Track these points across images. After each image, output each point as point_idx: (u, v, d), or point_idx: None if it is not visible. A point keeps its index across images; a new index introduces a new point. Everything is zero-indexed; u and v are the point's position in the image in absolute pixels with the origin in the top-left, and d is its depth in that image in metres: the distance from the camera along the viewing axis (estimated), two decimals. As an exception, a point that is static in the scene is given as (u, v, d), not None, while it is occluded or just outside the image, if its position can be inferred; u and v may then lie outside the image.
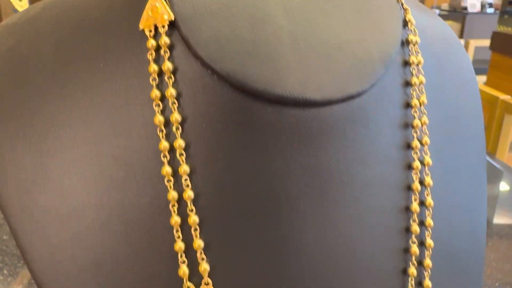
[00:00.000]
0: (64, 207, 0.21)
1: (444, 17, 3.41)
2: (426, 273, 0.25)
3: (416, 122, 0.24)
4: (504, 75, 2.24)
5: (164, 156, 0.20)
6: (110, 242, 0.21)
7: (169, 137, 0.20)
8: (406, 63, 0.24)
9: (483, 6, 3.29)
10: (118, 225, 0.21)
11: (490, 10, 3.30)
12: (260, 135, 0.21)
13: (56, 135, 0.21)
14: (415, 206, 0.24)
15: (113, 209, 0.21)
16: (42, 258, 0.21)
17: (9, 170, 0.21)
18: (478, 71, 2.71)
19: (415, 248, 0.24)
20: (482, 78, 2.42)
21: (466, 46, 2.73)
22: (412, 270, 0.24)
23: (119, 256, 0.21)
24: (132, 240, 0.21)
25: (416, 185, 0.24)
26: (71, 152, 0.21)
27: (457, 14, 3.40)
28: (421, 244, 0.25)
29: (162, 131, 0.20)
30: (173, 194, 0.20)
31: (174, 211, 0.20)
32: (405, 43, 0.24)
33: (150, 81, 0.20)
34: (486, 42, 2.45)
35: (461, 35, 3.24)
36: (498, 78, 2.27)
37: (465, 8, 3.35)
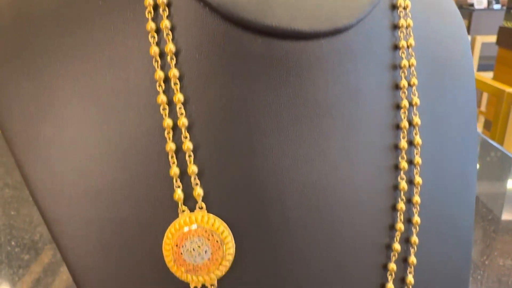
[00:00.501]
0: (65, 137, 0.22)
1: (450, 14, 3.40)
2: (415, 210, 0.26)
3: (404, 62, 0.25)
4: (510, 69, 2.23)
5: (159, 85, 0.21)
6: (109, 170, 0.22)
7: (164, 67, 0.21)
8: (394, 7, 0.25)
9: (489, 2, 3.28)
10: (116, 154, 0.22)
11: (497, 6, 3.29)
12: (250, 66, 0.22)
13: (57, 70, 0.22)
14: (403, 143, 0.25)
15: (111, 138, 0.22)
16: (45, 186, 0.22)
17: (14, 105, 0.22)
18: (485, 67, 2.70)
19: (403, 184, 0.25)
20: (489, 75, 2.41)
21: (473, 42, 2.72)
22: (401, 206, 0.25)
23: (117, 183, 0.22)
24: (129, 168, 0.22)
25: (404, 124, 0.25)
26: (72, 85, 0.22)
27: (463, 10, 3.39)
28: (410, 182, 0.26)
29: (157, 61, 0.21)
30: (168, 122, 0.21)
31: (169, 138, 0.21)
32: None
33: (146, 14, 0.21)
34: (493, 38, 2.44)
35: (467, 32, 3.23)
36: (504, 73, 2.27)
37: (472, 5, 3.34)
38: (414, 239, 0.26)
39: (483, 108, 2.53)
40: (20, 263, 0.50)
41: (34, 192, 0.22)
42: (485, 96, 2.51)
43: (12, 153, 0.23)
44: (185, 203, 0.22)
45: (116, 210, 0.22)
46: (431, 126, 0.26)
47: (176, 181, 0.21)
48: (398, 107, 0.25)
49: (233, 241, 0.22)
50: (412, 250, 0.26)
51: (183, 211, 0.22)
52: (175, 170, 0.21)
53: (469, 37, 2.85)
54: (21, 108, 0.22)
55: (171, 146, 0.21)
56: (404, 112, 0.25)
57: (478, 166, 0.84)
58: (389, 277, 0.25)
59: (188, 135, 0.21)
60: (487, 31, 3.08)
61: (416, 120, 0.25)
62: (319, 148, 0.23)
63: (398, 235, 0.25)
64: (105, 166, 0.22)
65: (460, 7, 3.43)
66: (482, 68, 2.66)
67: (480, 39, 2.75)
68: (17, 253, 0.52)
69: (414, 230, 0.26)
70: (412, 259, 0.26)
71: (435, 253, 0.27)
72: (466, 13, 3.32)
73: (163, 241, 0.21)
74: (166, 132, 0.21)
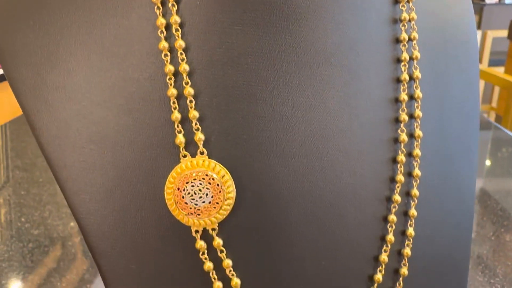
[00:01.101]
0: (70, 84, 0.22)
1: (461, 9, 3.37)
2: (415, 163, 0.26)
3: (404, 16, 0.25)
4: (522, 63, 2.21)
5: (161, 32, 0.22)
6: (112, 116, 0.22)
7: (166, 14, 0.22)
8: (394, -38, 0.25)
9: (501, -3, 3.24)
10: (120, 100, 0.22)
11: (508, 1, 3.25)
12: (250, 13, 0.22)
13: (62, 20, 0.23)
14: (403, 96, 0.25)
15: (115, 84, 0.22)
16: (50, 132, 0.23)
17: (20, 54, 0.23)
18: (496, 62, 2.67)
19: (404, 137, 0.25)
20: (501, 69, 2.39)
21: (484, 37, 2.69)
22: (401, 158, 0.25)
23: (120, 128, 0.22)
24: (132, 113, 0.22)
25: (405, 77, 0.25)
26: (76, 35, 0.23)
27: (474, 5, 3.36)
28: (411, 136, 0.26)
29: (159, 8, 0.22)
30: (169, 68, 0.22)
31: (171, 84, 0.22)
32: None
33: (147, -38, 0.22)
34: (504, 33, 2.41)
35: (478, 26, 3.20)
36: (516, 67, 2.24)
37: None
38: (415, 192, 0.26)
39: (494, 104, 2.50)
40: (30, 238, 0.51)
41: (39, 138, 0.23)
42: (496, 92, 2.48)
43: (18, 101, 0.23)
44: (186, 148, 0.22)
45: (119, 155, 0.22)
46: (432, 80, 0.26)
47: (178, 126, 0.22)
48: (398, 60, 0.25)
49: (234, 186, 0.22)
50: (412, 203, 0.26)
51: (185, 156, 0.22)
52: (176, 115, 0.22)
53: (480, 32, 2.82)
54: (27, 57, 0.23)
55: (172, 91, 0.22)
56: (405, 65, 0.25)
57: (489, 162, 0.84)
58: (390, 229, 0.25)
59: (189, 81, 0.22)
60: (498, 25, 3.04)
61: (417, 73, 0.26)
62: (319, 96, 0.23)
63: (398, 187, 0.25)
64: (108, 112, 0.22)
65: (471, 2, 3.38)
66: (493, 63, 2.63)
67: (491, 34, 2.72)
68: (27, 228, 0.53)
69: (414, 183, 0.26)
70: (413, 212, 0.26)
71: (436, 207, 0.27)
72: (477, 7, 3.29)
73: (165, 185, 0.22)
74: (167, 78, 0.22)
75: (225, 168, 0.22)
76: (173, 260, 0.23)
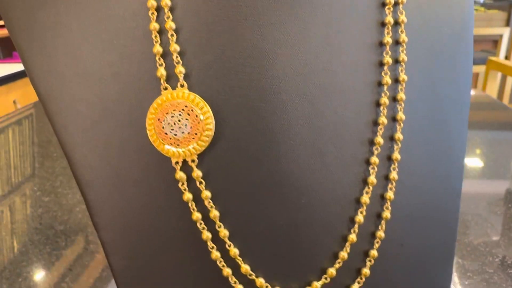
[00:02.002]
0: (59, 22, 0.23)
1: (488, 6, 3.29)
2: (399, 106, 0.26)
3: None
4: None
5: (152, 13, 0.22)
6: (98, 51, 0.23)
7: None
8: None
9: (530, -7, 3.14)
10: (105, 35, 0.23)
11: (538, -3, 3.16)
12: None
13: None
14: (387, 39, 0.25)
15: (101, 21, 0.23)
16: (41, 68, 0.24)
17: (35, 35, 0.24)
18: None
19: (387, 79, 0.25)
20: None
21: (512, 33, 2.62)
22: (384, 100, 0.25)
23: (106, 63, 0.23)
24: (117, 48, 0.23)
25: (389, 19, 0.25)
26: (79, 19, 0.23)
27: (502, 2, 3.28)
28: (396, 80, 0.26)
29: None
30: (152, 3, 0.22)
31: (153, 19, 0.22)
32: None
33: None
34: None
35: (507, 23, 3.12)
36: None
37: (511, -4, 3.22)
38: (398, 135, 0.26)
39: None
40: (41, 204, 0.52)
41: (31, 73, 0.24)
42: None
43: (13, 40, 0.25)
44: (168, 81, 0.23)
45: (104, 88, 0.23)
46: (419, 24, 0.26)
47: (159, 59, 0.23)
48: (383, 5, 0.25)
49: (213, 118, 0.23)
50: (396, 147, 0.26)
51: (165, 88, 0.23)
52: (158, 49, 0.22)
53: (508, 30, 2.76)
54: (40, 39, 0.24)
55: (154, 25, 0.22)
56: (389, 9, 0.25)
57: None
58: (371, 171, 0.25)
59: (171, 15, 0.23)
60: (527, 22, 2.96)
61: (402, 18, 0.26)
62: (300, 34, 0.24)
63: (381, 129, 0.25)
64: (94, 47, 0.23)
65: (499, -2, 3.32)
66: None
67: (519, 31, 2.65)
68: (39, 196, 0.54)
69: (398, 127, 0.26)
70: (396, 155, 0.26)
71: (422, 154, 0.27)
72: (505, 5, 3.21)
73: (147, 117, 0.23)
74: (150, 13, 0.22)
75: (204, 101, 0.23)
76: (154, 191, 0.23)
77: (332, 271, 0.25)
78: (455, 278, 0.35)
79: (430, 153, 0.27)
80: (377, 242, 0.26)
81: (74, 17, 0.23)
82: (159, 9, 0.23)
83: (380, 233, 0.26)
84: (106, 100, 0.23)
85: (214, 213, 0.23)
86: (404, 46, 0.26)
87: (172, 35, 0.23)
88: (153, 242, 0.24)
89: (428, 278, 0.29)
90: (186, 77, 0.23)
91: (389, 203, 0.26)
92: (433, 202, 0.28)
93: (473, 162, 0.64)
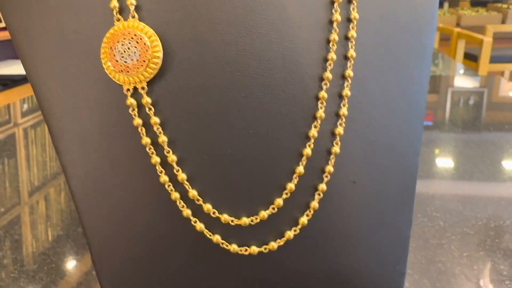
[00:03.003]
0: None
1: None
2: (350, 44, 0.26)
3: None
4: None
5: None
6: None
7: None
8: None
9: None
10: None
11: None
12: None
13: None
14: (339, -21, 0.26)
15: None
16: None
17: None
18: None
19: (337, 17, 0.26)
20: None
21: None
22: (334, 37, 0.26)
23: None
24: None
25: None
26: None
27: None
28: (348, 19, 0.26)
29: None
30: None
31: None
32: None
33: None
34: None
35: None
36: None
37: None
38: (349, 72, 0.26)
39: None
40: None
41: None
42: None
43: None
44: (121, 14, 0.24)
45: (66, 20, 0.25)
46: None
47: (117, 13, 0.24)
48: None
49: (161, 46, 0.24)
50: (346, 83, 0.26)
51: (118, 19, 0.24)
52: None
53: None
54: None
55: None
56: None
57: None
58: (320, 105, 0.26)
59: None
60: None
61: None
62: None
63: (330, 65, 0.26)
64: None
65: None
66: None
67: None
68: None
69: (348, 64, 0.26)
70: (346, 91, 0.26)
71: (374, 91, 0.27)
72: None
73: (101, 46, 0.24)
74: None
75: (152, 30, 0.24)
76: (107, 117, 0.25)
77: (279, 201, 0.26)
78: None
79: (383, 90, 0.27)
80: (326, 177, 0.27)
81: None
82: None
83: (329, 168, 0.26)
84: (70, 33, 0.25)
85: (163, 139, 0.25)
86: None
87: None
88: (104, 165, 0.25)
89: (386, 221, 0.29)
90: (138, 10, 0.24)
91: (338, 138, 0.26)
92: (388, 143, 0.28)
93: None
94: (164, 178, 0.25)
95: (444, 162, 0.57)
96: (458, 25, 3.36)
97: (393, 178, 0.29)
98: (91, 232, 0.26)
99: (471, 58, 2.54)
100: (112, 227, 0.26)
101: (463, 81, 1.27)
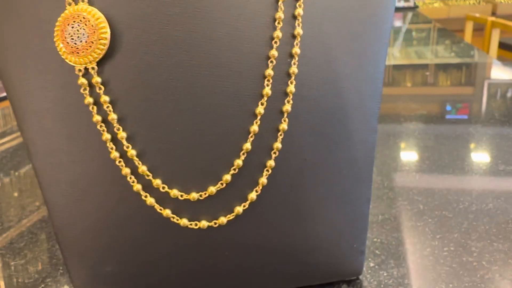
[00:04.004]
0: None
1: None
2: (297, 22, 0.27)
3: None
4: None
5: None
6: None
7: None
8: None
9: None
10: None
11: None
12: None
13: None
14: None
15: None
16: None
17: None
18: None
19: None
20: None
21: None
22: (280, 15, 0.26)
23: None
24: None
25: None
26: None
27: None
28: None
29: None
30: None
31: None
32: None
33: None
34: None
35: None
36: None
37: None
38: (296, 50, 0.27)
39: None
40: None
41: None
42: None
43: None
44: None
45: (20, 9, 0.27)
46: None
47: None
48: None
49: (108, 28, 0.25)
50: (293, 61, 0.27)
51: (69, 3, 0.26)
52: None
53: None
54: None
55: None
56: None
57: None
58: (267, 83, 0.26)
59: None
60: None
61: None
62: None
63: (277, 43, 0.26)
64: None
65: None
66: None
67: None
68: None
69: (295, 41, 0.27)
70: (293, 69, 0.27)
71: (321, 64, 0.27)
72: None
73: (55, 29, 0.26)
74: None
75: (100, 13, 0.25)
76: (61, 97, 0.26)
77: (227, 177, 0.27)
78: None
79: (334, 68, 0.27)
80: (274, 153, 0.27)
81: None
82: None
83: (277, 144, 0.27)
84: (24, 17, 0.26)
85: (112, 116, 0.26)
86: None
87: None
88: (60, 143, 0.27)
89: (340, 198, 0.29)
90: (93, 2, 0.26)
91: (286, 115, 0.27)
92: (340, 119, 0.28)
93: None
94: (114, 154, 0.26)
95: (480, 156, 0.55)
96: (493, 14, 3.24)
97: (347, 154, 0.29)
98: (52, 205, 0.28)
99: (507, 48, 2.44)
100: (70, 201, 0.27)
101: (500, 72, 1.23)
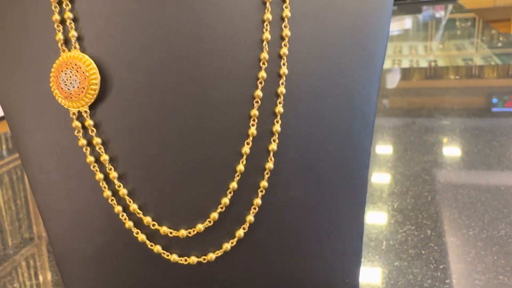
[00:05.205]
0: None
1: None
2: (282, 61, 0.27)
3: None
4: None
5: None
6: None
7: None
8: None
9: None
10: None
11: None
12: None
13: None
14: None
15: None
16: None
17: None
18: None
19: (267, 35, 0.26)
20: None
21: None
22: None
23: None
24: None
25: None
26: None
27: None
28: (280, 37, 0.27)
29: None
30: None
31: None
32: None
33: None
34: None
35: None
36: None
37: None
38: (281, 89, 0.27)
39: None
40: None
41: None
42: None
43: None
44: (66, 45, 0.27)
45: (20, 50, 0.28)
46: None
47: (58, 26, 0.27)
48: None
49: (98, 74, 0.26)
50: (279, 100, 0.27)
51: (63, 50, 0.27)
52: (56, 17, 0.27)
53: None
54: None
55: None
56: None
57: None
58: (252, 123, 0.27)
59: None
60: None
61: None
62: (177, -2, 0.26)
63: (262, 83, 0.26)
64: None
65: None
66: None
67: None
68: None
69: (281, 81, 0.27)
70: (279, 108, 0.27)
71: (307, 104, 0.27)
72: None
73: (51, 75, 0.27)
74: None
75: (91, 60, 0.26)
76: (58, 137, 0.28)
77: (214, 215, 0.27)
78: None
79: (321, 106, 0.27)
80: (261, 191, 0.27)
81: None
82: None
83: (264, 183, 0.27)
84: (24, 63, 0.28)
85: (104, 157, 0.27)
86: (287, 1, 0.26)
87: (66, 5, 0.27)
88: (58, 180, 0.28)
89: (330, 233, 0.29)
90: (80, 40, 0.27)
91: (272, 154, 0.27)
92: (327, 158, 0.28)
93: None
94: (107, 193, 0.27)
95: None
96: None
97: (336, 191, 0.29)
98: (52, 237, 0.29)
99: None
100: (67, 233, 0.29)
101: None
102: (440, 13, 2.34)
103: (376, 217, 0.43)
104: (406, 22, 2.11)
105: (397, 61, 1.53)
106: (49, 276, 0.41)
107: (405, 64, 1.50)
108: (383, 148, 0.60)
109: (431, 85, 0.96)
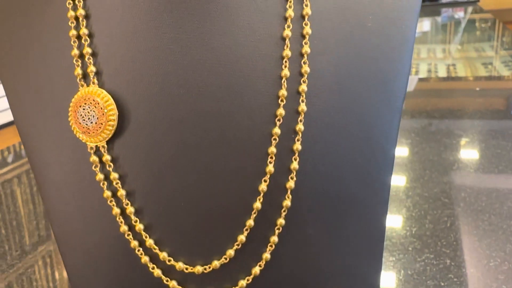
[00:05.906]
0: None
1: None
2: (301, 98, 0.26)
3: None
4: None
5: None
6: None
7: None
8: None
9: None
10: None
11: None
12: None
13: None
14: (287, 33, 0.26)
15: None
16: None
17: None
18: None
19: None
20: None
21: None
22: (283, 92, 0.26)
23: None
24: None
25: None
26: None
27: None
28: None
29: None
30: (75, 52, 0.27)
31: (73, 26, 0.27)
32: None
33: None
34: None
35: None
36: None
37: None
38: (300, 127, 0.26)
39: None
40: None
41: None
42: None
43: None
44: (85, 80, 0.27)
45: (39, 82, 0.28)
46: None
47: (76, 61, 0.27)
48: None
49: (116, 110, 0.26)
50: (297, 137, 0.26)
51: (82, 85, 0.27)
52: (75, 52, 0.27)
53: None
54: None
55: (73, 32, 0.27)
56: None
57: None
58: (270, 160, 0.26)
59: (85, 23, 0.27)
60: None
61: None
62: (197, 31, 0.26)
63: (280, 120, 0.26)
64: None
65: None
66: None
67: None
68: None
69: (299, 118, 0.26)
70: (297, 146, 0.26)
71: (325, 141, 0.27)
72: None
73: (69, 110, 0.27)
74: (69, 22, 0.27)
75: (109, 95, 0.26)
76: (76, 171, 0.28)
77: (231, 252, 0.27)
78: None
79: (340, 143, 0.27)
80: (278, 229, 0.27)
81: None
82: (77, 18, 0.27)
83: (281, 220, 0.27)
84: (44, 96, 0.28)
85: (121, 192, 0.27)
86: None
87: (85, 40, 0.27)
88: (76, 214, 0.28)
89: (348, 270, 0.29)
90: (99, 75, 0.27)
91: (289, 192, 0.27)
92: (345, 195, 0.27)
93: None
94: (124, 228, 0.27)
95: None
96: None
97: (354, 228, 0.28)
98: (69, 269, 0.30)
99: None
100: (85, 267, 0.29)
101: None
102: (459, 14, 2.31)
103: (394, 243, 0.42)
104: (424, 25, 2.08)
105: (415, 65, 1.51)
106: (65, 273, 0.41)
107: (423, 67, 1.48)
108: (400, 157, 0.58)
109: (449, 86, 0.94)
